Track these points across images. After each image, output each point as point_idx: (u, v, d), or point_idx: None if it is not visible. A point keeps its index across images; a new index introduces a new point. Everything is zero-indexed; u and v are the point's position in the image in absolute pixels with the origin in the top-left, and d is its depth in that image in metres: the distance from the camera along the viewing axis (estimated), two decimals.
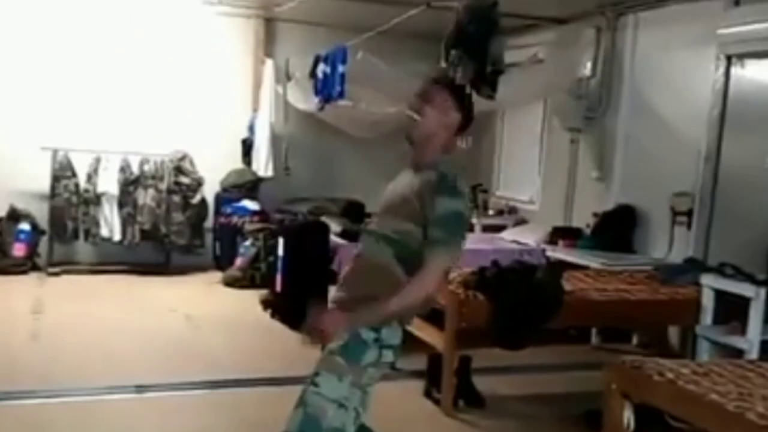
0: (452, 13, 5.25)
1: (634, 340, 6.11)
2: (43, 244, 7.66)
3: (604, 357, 4.87)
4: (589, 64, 6.84)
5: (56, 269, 7.53)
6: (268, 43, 8.43)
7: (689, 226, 5.90)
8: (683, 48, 5.99)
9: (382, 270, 2.46)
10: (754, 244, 5.21)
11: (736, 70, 5.57)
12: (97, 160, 7.62)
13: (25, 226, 7.55)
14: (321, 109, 7.01)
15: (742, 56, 5.49)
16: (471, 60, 5.02)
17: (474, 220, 7.93)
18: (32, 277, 7.43)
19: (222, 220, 8.00)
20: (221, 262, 7.95)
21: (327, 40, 7.31)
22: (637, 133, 6.56)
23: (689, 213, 5.89)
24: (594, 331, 6.06)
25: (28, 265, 7.55)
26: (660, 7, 6.15)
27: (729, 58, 5.57)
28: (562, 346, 5.57)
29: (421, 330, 4.48)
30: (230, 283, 7.49)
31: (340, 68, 6.41)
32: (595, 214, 6.68)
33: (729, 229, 5.63)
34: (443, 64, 5.22)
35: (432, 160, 2.50)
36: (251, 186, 8.23)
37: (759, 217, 5.31)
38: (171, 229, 7.80)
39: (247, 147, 8.31)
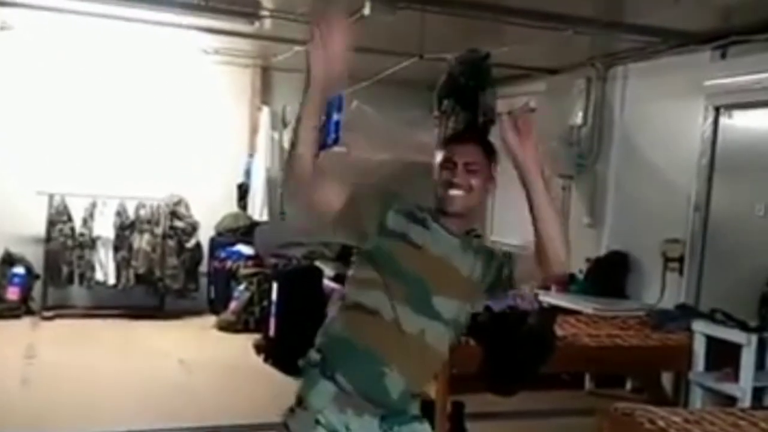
0: (445, 64, 5.38)
1: (628, 385, 6.11)
2: (37, 288, 7.66)
3: (597, 403, 4.87)
4: (580, 113, 6.96)
5: (50, 313, 7.52)
6: (264, 91, 8.55)
7: (681, 272, 5.95)
8: (672, 98, 6.10)
9: (442, 358, 2.26)
10: (745, 290, 5.25)
11: (724, 121, 5.68)
12: (93, 205, 7.67)
13: (19, 269, 7.55)
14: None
15: (730, 107, 5.61)
16: (463, 110, 5.13)
17: None
18: (26, 321, 7.40)
19: (216, 264, 8.03)
20: (215, 306, 7.95)
21: None
22: (627, 181, 6.65)
23: (681, 259, 5.94)
24: (588, 376, 6.06)
25: (21, 309, 7.52)
26: (648, 59, 6.27)
27: (717, 109, 5.68)
28: (556, 392, 5.58)
29: None
30: (224, 327, 7.48)
31: (335, 116, 6.49)
32: (588, 260, 6.73)
33: (720, 276, 5.68)
34: (435, 113, 5.32)
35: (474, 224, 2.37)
36: (246, 230, 8.28)
37: (749, 264, 5.36)
38: (166, 273, 7.81)
39: (243, 191, 8.37)
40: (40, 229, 7.55)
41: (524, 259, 2.22)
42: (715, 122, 5.71)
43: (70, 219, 7.62)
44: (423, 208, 2.25)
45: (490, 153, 2.31)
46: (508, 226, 8.41)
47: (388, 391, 2.08)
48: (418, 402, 2.24)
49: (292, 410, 2.17)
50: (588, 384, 6.05)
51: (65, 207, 7.60)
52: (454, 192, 2.21)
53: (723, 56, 5.64)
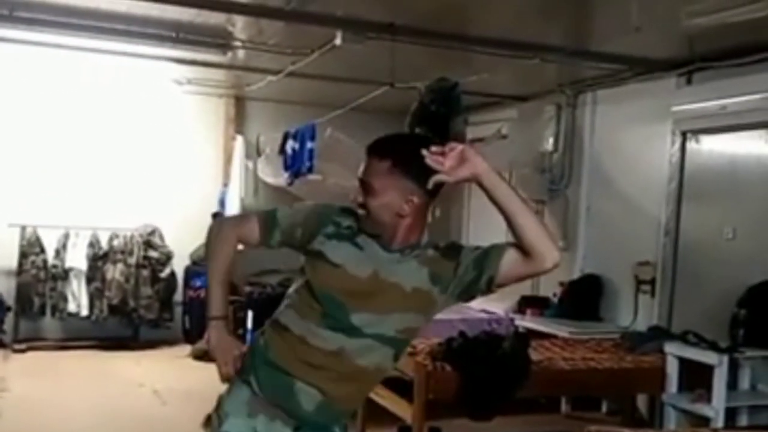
0: (416, 92, 5.46)
1: (604, 407, 6.14)
2: (9, 320, 7.54)
3: (573, 425, 4.89)
4: (551, 139, 7.06)
5: (22, 346, 7.41)
6: (238, 120, 8.58)
7: (653, 294, 6.02)
8: (640, 124, 6.21)
9: (381, 374, 2.23)
10: (716, 311, 5.31)
11: (691, 145, 5.79)
12: (66, 236, 7.61)
13: None
14: (290, 183, 7.14)
15: (696, 132, 5.72)
16: (434, 137, 5.19)
17: None
18: None
19: (191, 293, 7.98)
20: (190, 336, 7.89)
21: (296, 117, 7.50)
22: (599, 205, 6.74)
23: (652, 282, 6.02)
24: (564, 399, 6.08)
25: None
26: (617, 85, 6.39)
27: (684, 134, 5.79)
28: (532, 415, 5.58)
29: (390, 401, 4.49)
30: (199, 356, 7.40)
31: (309, 144, 6.57)
32: (562, 283, 6.78)
33: (691, 298, 5.76)
34: None
35: (418, 238, 2.15)
36: None
37: (719, 285, 5.43)
38: (140, 304, 7.75)
39: None
40: (11, 261, 7.47)
41: (509, 254, 2.07)
42: (683, 147, 5.82)
43: (42, 251, 7.55)
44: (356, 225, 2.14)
45: (398, 163, 2.06)
46: (483, 233, 8.48)
47: (299, 403, 2.09)
48: (347, 420, 2.25)
49: (209, 416, 2.22)
50: (564, 407, 6.07)
51: (37, 239, 7.54)
52: (360, 212, 2.13)
53: (689, 82, 5.77)
